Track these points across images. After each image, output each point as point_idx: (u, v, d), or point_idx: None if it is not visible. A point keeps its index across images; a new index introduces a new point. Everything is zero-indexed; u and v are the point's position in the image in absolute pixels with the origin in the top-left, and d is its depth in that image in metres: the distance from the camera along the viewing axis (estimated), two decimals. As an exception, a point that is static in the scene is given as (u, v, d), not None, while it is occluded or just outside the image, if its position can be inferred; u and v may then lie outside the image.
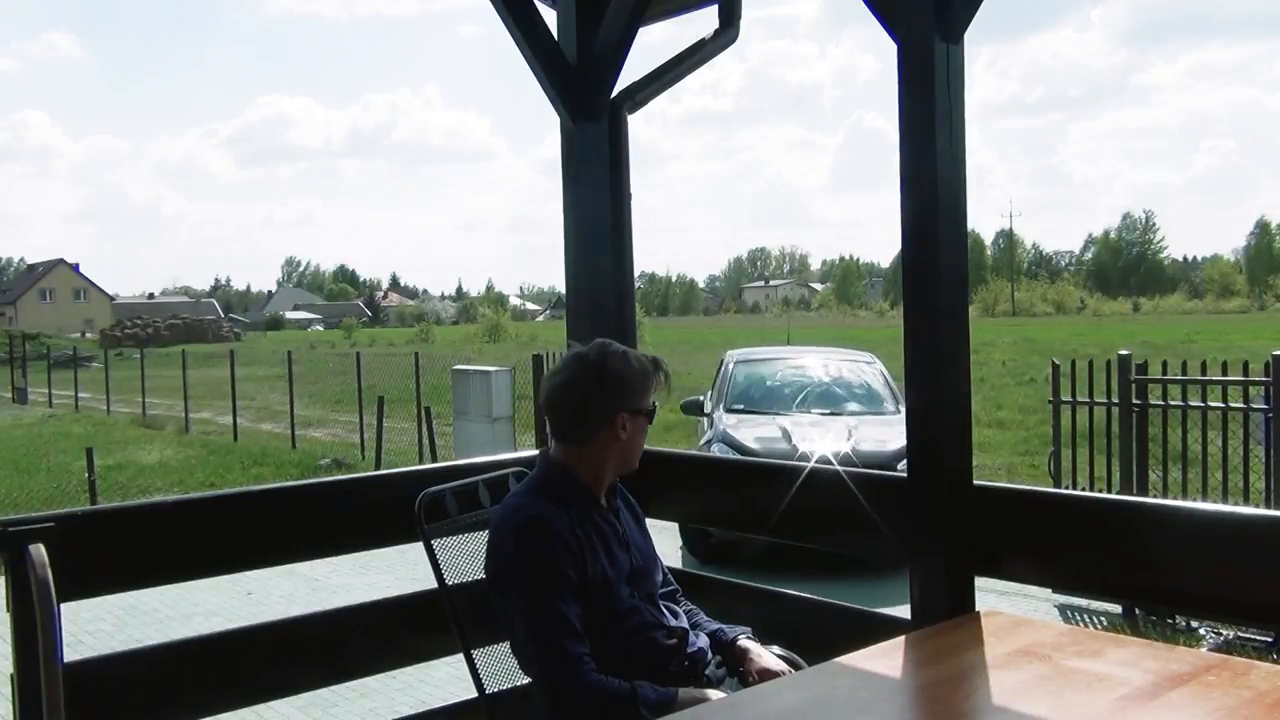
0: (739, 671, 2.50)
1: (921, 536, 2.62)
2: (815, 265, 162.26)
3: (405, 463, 13.72)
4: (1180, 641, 5.76)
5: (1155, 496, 7.23)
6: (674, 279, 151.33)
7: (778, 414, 9.16)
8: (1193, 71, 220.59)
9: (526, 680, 2.43)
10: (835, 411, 9.31)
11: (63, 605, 2.30)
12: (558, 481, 2.46)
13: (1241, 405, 6.78)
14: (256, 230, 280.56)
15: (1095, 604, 6.70)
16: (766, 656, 2.50)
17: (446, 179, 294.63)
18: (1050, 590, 6.28)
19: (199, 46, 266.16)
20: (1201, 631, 6.16)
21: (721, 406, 9.57)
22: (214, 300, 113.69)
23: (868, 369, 10.24)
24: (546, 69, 3.33)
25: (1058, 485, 7.45)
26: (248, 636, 2.92)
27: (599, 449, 2.47)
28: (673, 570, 2.79)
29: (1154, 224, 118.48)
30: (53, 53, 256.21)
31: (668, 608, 2.55)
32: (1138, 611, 6.37)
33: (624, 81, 3.41)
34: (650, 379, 2.52)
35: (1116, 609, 6.55)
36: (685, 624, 2.53)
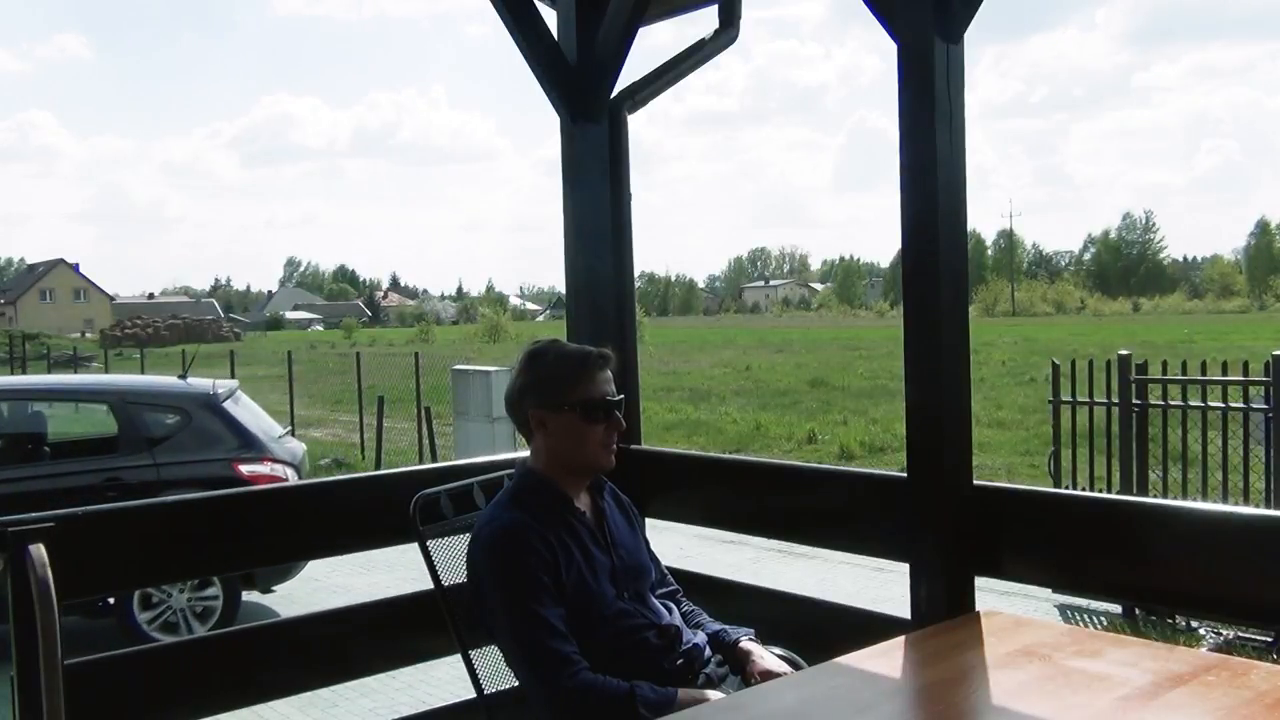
0: (741, 673, 2.49)
1: (921, 536, 2.62)
2: (815, 265, 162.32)
3: (405, 462, 13.73)
4: (1180, 641, 5.76)
5: (1155, 496, 7.22)
6: (674, 279, 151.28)
7: None
8: (1195, 72, 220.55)
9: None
10: None
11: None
12: (527, 487, 2.46)
13: (1241, 405, 6.78)
14: (258, 230, 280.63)
15: (1095, 604, 6.70)
16: (769, 658, 2.50)
17: (449, 179, 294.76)
18: (1050, 590, 6.28)
19: (206, 48, 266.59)
20: (1201, 631, 6.16)
21: None
22: (214, 300, 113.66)
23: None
24: (546, 69, 3.33)
25: (1058, 485, 7.45)
26: (248, 636, 2.93)
27: (541, 449, 2.47)
28: (673, 570, 2.79)
29: (1154, 224, 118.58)
30: (61, 54, 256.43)
31: (664, 604, 2.55)
32: (1138, 611, 6.37)
33: (624, 81, 3.41)
34: (574, 372, 2.43)
35: (1116, 609, 6.55)
36: (678, 622, 2.52)
